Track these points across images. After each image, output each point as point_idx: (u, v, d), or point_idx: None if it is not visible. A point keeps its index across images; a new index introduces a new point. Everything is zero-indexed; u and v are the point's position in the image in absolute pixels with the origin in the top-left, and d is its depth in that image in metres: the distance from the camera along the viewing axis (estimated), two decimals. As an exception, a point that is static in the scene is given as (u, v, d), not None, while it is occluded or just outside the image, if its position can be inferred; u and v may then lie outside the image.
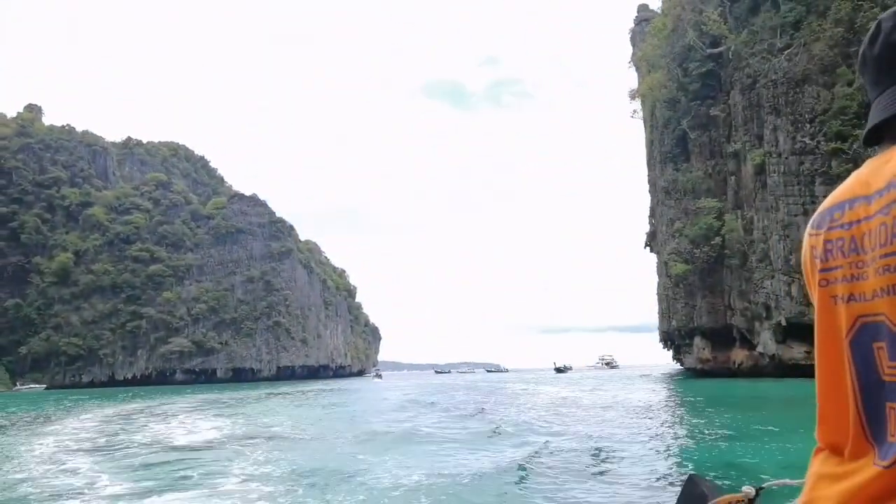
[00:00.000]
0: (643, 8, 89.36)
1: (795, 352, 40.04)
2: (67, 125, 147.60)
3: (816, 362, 1.07)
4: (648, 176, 61.17)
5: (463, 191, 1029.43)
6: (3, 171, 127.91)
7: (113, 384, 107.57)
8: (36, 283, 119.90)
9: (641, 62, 65.14)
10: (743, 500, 1.61)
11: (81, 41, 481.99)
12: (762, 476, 9.11)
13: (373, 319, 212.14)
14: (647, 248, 60.28)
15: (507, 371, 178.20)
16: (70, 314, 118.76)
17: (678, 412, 25.62)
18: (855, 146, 37.60)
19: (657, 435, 17.12)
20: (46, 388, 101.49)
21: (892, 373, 0.96)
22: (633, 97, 61.33)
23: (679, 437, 17.28)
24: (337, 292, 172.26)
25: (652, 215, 60.23)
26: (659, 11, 69.10)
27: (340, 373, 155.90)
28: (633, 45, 76.72)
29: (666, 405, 29.12)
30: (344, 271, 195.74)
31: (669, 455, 14.02)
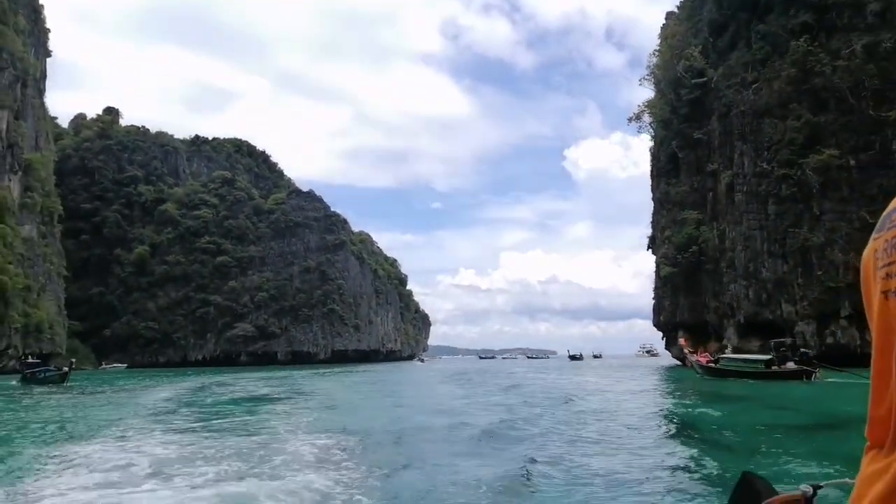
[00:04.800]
0: (670, 15, 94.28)
1: (752, 345, 47.00)
2: (143, 127, 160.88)
3: (872, 363, 1.10)
4: (651, 185, 68.23)
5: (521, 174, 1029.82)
6: (87, 170, 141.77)
7: (185, 364, 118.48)
8: (117, 273, 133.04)
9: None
10: (800, 499, 1.56)
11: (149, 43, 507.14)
12: (813, 474, 10.28)
13: (434, 305, 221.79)
14: (650, 251, 67.48)
15: (547, 358, 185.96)
16: (147, 301, 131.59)
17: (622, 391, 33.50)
18: (799, 173, 44.43)
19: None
20: (127, 367, 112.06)
21: None
22: (636, 115, 68.30)
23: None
24: (388, 281, 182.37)
25: (653, 221, 67.34)
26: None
27: (391, 357, 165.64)
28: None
29: (620, 387, 36.89)
30: (395, 261, 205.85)
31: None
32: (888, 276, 1.06)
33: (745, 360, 36.40)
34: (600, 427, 16.02)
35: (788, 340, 37.75)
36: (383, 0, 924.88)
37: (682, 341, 45.63)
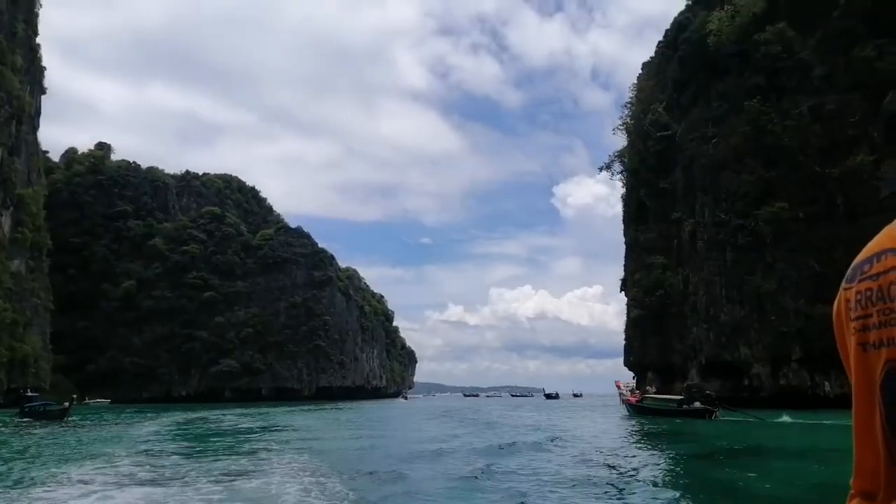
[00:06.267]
0: (650, 61, 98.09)
1: (713, 385, 49.61)
2: (134, 162, 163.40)
3: (853, 411, 1.09)
4: (623, 230, 71.43)
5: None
6: (77, 204, 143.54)
7: (169, 400, 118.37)
8: (103, 308, 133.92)
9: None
10: None
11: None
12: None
13: (422, 341, 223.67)
14: (622, 292, 70.18)
15: (531, 396, 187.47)
16: (133, 336, 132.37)
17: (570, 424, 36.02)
18: (753, 224, 47.71)
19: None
20: (111, 403, 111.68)
21: None
22: (607, 165, 72.12)
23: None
24: (374, 317, 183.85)
25: (625, 265, 70.33)
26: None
27: (376, 394, 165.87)
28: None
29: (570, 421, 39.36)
30: (382, 297, 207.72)
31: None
32: (865, 328, 1.09)
33: (662, 400, 42.66)
34: (538, 455, 18.49)
35: (697, 384, 44.53)
36: (372, 38, 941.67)
37: (617, 383, 50.10)
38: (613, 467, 16.31)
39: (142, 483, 13.31)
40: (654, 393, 46.34)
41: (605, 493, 12.82)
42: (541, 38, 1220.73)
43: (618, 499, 12.28)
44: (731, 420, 34.69)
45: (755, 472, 14.35)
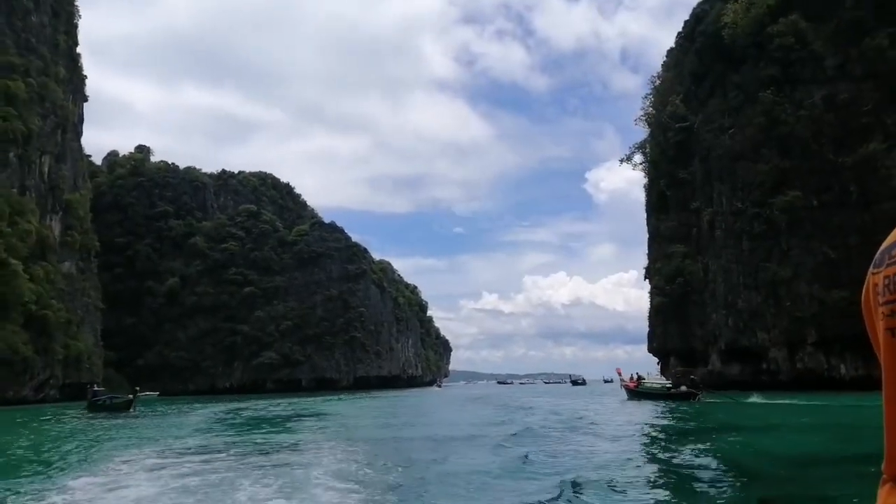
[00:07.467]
0: (670, 52, 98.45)
1: (733, 370, 51.52)
2: (172, 163, 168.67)
3: (884, 396, 1.08)
4: (645, 219, 72.82)
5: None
6: (120, 206, 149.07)
7: (213, 392, 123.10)
8: (149, 305, 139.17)
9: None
10: None
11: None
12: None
13: (457, 330, 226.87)
14: (647, 280, 71.62)
15: (563, 383, 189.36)
16: (178, 331, 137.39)
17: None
18: (768, 212, 49.11)
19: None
20: (159, 395, 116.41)
21: None
22: (628, 156, 73.56)
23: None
24: (408, 308, 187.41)
25: (647, 253, 71.79)
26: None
27: (412, 382, 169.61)
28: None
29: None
30: (415, 287, 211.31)
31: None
32: (893, 313, 1.08)
33: (653, 385, 46.21)
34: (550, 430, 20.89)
35: (683, 370, 48.48)
36: (397, 31, 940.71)
37: (617, 370, 53.30)
38: (607, 447, 18.60)
39: (203, 459, 16.06)
40: (650, 378, 49.28)
41: (600, 467, 15.03)
42: (568, 22, 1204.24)
43: (611, 471, 14.44)
44: (713, 402, 38.31)
45: (714, 443, 16.55)
